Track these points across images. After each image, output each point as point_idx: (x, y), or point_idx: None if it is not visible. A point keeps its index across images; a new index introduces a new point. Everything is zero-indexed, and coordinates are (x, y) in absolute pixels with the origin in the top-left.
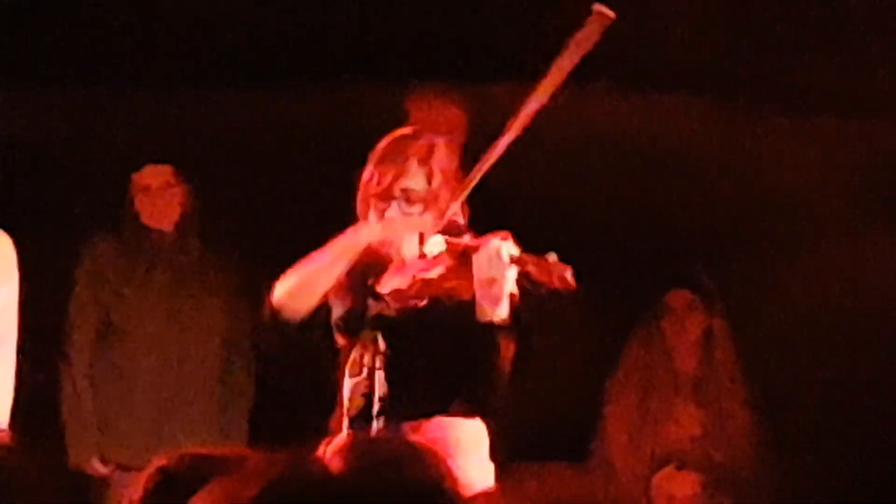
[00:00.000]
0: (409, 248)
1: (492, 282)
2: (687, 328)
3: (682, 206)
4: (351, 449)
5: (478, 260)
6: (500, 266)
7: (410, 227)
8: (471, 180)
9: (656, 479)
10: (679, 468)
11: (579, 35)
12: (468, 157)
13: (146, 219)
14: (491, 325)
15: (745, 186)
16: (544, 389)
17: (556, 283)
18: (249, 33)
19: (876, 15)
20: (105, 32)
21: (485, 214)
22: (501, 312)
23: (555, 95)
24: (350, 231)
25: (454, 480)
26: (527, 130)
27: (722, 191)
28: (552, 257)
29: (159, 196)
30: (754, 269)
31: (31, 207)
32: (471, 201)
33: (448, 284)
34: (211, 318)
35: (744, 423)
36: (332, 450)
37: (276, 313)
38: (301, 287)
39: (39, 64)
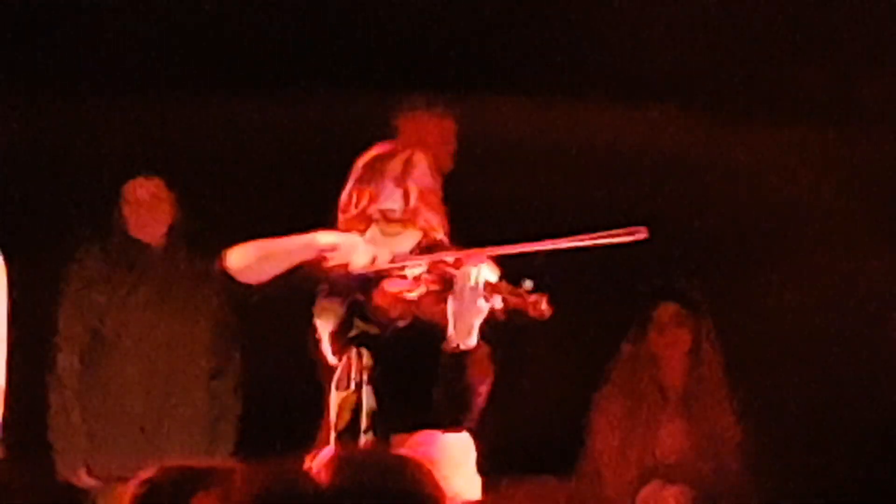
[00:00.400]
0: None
1: (463, 311)
2: (675, 342)
3: (671, 218)
4: (338, 462)
5: (457, 288)
6: (473, 296)
7: (360, 255)
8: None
9: (643, 493)
10: (666, 482)
11: None
12: (458, 167)
13: (134, 231)
14: (459, 353)
15: (734, 197)
16: (533, 403)
17: (531, 312)
18: (241, 44)
19: (863, 25)
20: (95, 42)
21: (471, 225)
22: (470, 341)
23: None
24: (318, 233)
25: (441, 493)
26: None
27: (710, 202)
28: (528, 285)
29: (148, 208)
30: (742, 281)
31: (19, 219)
32: (456, 214)
33: (428, 304)
34: (198, 330)
35: (732, 436)
36: (319, 463)
37: (231, 276)
38: (255, 264)
39: (28, 75)
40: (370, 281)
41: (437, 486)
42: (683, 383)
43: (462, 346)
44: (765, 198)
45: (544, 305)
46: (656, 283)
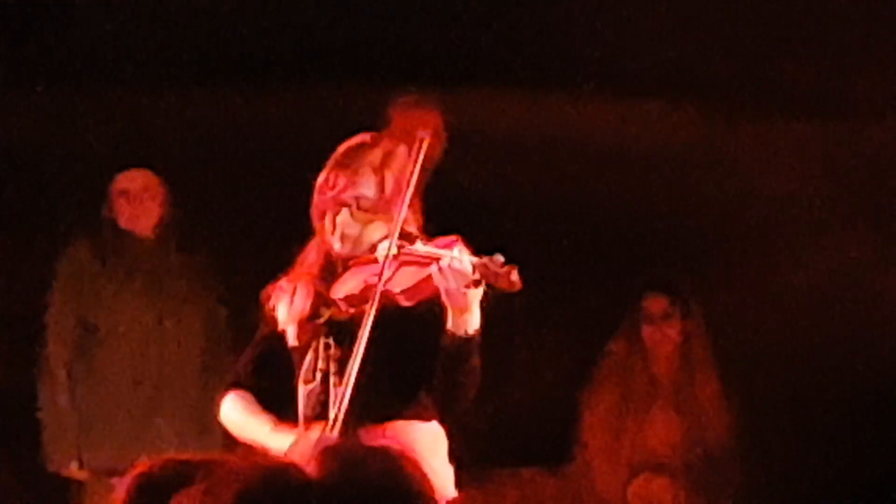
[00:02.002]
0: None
1: (460, 296)
2: (665, 334)
3: (661, 211)
4: (329, 454)
5: (441, 275)
6: (465, 277)
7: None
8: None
9: (634, 485)
10: (656, 474)
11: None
12: (447, 161)
13: (125, 223)
14: (463, 338)
15: (723, 191)
16: (523, 395)
17: (503, 285)
18: (230, 37)
19: (852, 19)
20: (83, 35)
21: (459, 220)
22: (475, 323)
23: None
24: (278, 434)
25: (430, 486)
26: (508, 133)
27: (700, 195)
28: (498, 258)
29: (138, 200)
30: (732, 273)
31: (9, 211)
32: (443, 207)
33: (401, 292)
34: (189, 322)
35: (722, 428)
36: (304, 451)
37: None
38: (233, 427)
39: (16, 67)
40: (336, 268)
41: (426, 480)
42: (674, 376)
43: (469, 331)
44: (754, 191)
45: (515, 276)
46: (646, 275)
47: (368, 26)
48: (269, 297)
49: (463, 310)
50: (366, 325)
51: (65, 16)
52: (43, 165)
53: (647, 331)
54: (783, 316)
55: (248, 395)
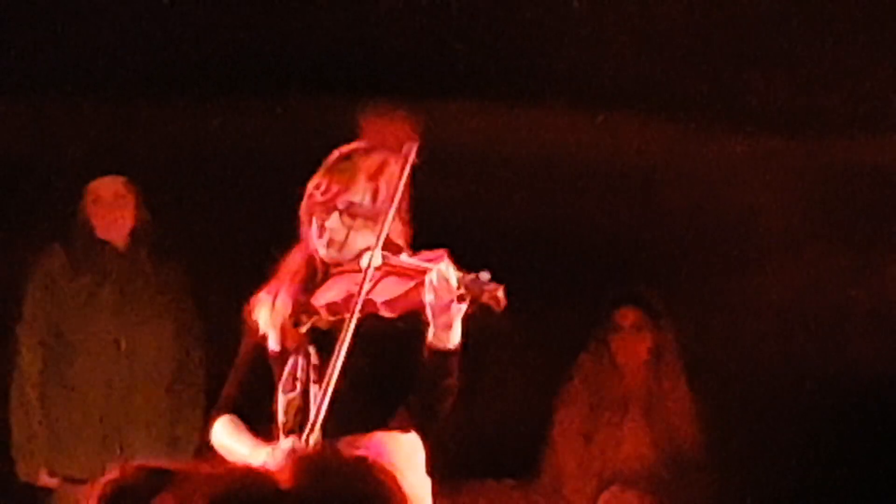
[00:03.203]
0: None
1: (444, 310)
2: (636, 346)
3: (632, 225)
4: (300, 464)
5: (429, 288)
6: (451, 292)
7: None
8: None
9: (603, 497)
10: (626, 487)
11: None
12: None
13: (98, 231)
14: (443, 352)
15: (695, 205)
16: (494, 407)
17: (489, 302)
18: (204, 47)
19: (821, 35)
20: (58, 44)
21: (432, 233)
22: (455, 339)
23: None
24: (258, 450)
25: (404, 497)
26: (481, 147)
27: (671, 209)
28: (485, 275)
29: (112, 207)
30: (703, 287)
31: None
32: (416, 221)
33: (385, 302)
34: (161, 332)
35: (692, 441)
36: (278, 460)
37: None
38: (223, 451)
39: None
40: (318, 276)
41: (400, 490)
42: (644, 389)
43: (450, 346)
44: (725, 206)
45: (501, 294)
46: (617, 289)
47: (343, 39)
48: (251, 309)
49: (446, 324)
50: (346, 333)
51: (41, 25)
52: (17, 173)
53: (617, 344)
54: (753, 329)
55: (235, 419)
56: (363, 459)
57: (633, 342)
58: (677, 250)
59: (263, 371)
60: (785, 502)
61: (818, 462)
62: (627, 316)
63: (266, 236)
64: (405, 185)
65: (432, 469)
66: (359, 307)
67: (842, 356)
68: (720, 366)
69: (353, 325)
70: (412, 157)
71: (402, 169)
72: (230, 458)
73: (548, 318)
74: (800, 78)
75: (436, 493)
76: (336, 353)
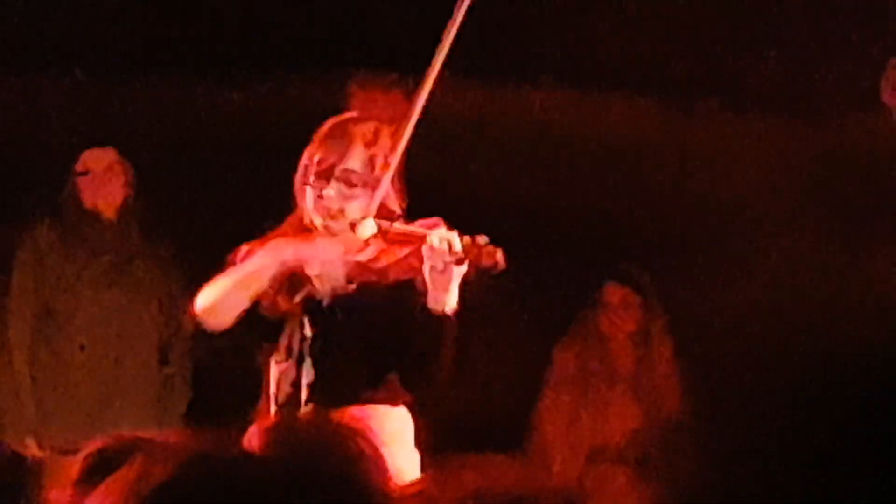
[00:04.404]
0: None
1: (444, 274)
2: (623, 323)
3: (621, 202)
4: (273, 429)
5: (429, 249)
6: (453, 254)
7: (327, 250)
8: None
9: (590, 472)
10: (614, 462)
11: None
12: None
13: (88, 203)
14: (440, 316)
15: (685, 183)
16: (483, 380)
17: (485, 262)
18: (194, 20)
19: (815, 15)
20: (47, 17)
21: (423, 206)
22: (452, 302)
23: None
24: (269, 248)
25: (384, 465)
26: (471, 124)
27: (661, 187)
28: (483, 239)
29: (102, 180)
30: (691, 265)
31: None
32: (409, 192)
33: (378, 268)
34: (150, 306)
35: (680, 419)
36: (254, 430)
37: (198, 324)
38: (218, 303)
39: None
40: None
41: (376, 454)
42: (632, 365)
43: (447, 310)
44: (715, 184)
45: (500, 255)
46: (606, 265)
47: (333, 14)
48: (238, 255)
49: (444, 287)
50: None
51: (31, 1)
52: (5, 148)
53: (605, 320)
54: (742, 306)
55: None
56: (336, 424)
57: (620, 319)
58: (666, 228)
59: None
60: (771, 476)
61: (804, 438)
62: (615, 293)
63: (257, 210)
64: (402, 152)
65: (421, 443)
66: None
67: (831, 333)
68: (708, 343)
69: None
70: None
71: (399, 135)
72: (233, 298)
73: (536, 294)
74: (792, 58)
75: (424, 467)
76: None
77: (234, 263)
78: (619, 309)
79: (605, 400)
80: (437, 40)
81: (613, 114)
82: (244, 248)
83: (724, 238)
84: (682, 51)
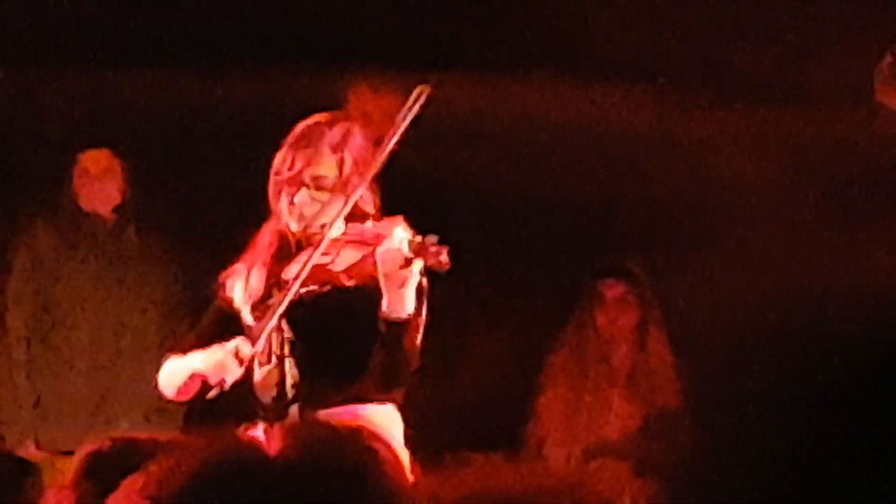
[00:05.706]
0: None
1: (396, 278)
2: (620, 319)
3: (618, 197)
4: (291, 431)
5: (381, 256)
6: (399, 259)
7: (231, 371)
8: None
9: (588, 469)
10: (611, 459)
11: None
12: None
13: (85, 203)
14: (396, 321)
15: (680, 176)
16: (479, 380)
17: (432, 263)
18: (189, 16)
19: (808, 7)
20: (44, 15)
21: (417, 205)
22: (408, 308)
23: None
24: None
25: (402, 469)
26: (464, 117)
27: (657, 180)
28: (431, 238)
29: (99, 180)
30: (688, 259)
31: None
32: (393, 189)
33: (343, 271)
34: (146, 305)
35: (677, 414)
36: (273, 432)
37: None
38: (169, 378)
39: None
40: (290, 249)
41: (395, 458)
42: (630, 361)
43: (402, 316)
44: (711, 177)
45: (444, 257)
46: (602, 261)
47: (329, 9)
48: (224, 281)
49: (397, 290)
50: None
51: None
52: (3, 146)
53: (602, 315)
54: (738, 299)
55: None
56: (356, 428)
57: (617, 314)
58: (663, 222)
59: (224, 330)
60: (768, 471)
61: (805, 433)
62: (612, 287)
63: (253, 209)
64: (374, 154)
65: (412, 442)
66: (302, 277)
67: (826, 324)
68: (705, 336)
69: (292, 291)
70: (423, 98)
71: (409, 108)
72: (178, 380)
73: (532, 290)
74: (787, 48)
75: (415, 466)
76: (274, 312)
77: (223, 288)
78: (617, 303)
79: (603, 396)
80: (437, 40)
81: (610, 106)
82: (233, 267)
83: (721, 230)
84: (678, 43)
